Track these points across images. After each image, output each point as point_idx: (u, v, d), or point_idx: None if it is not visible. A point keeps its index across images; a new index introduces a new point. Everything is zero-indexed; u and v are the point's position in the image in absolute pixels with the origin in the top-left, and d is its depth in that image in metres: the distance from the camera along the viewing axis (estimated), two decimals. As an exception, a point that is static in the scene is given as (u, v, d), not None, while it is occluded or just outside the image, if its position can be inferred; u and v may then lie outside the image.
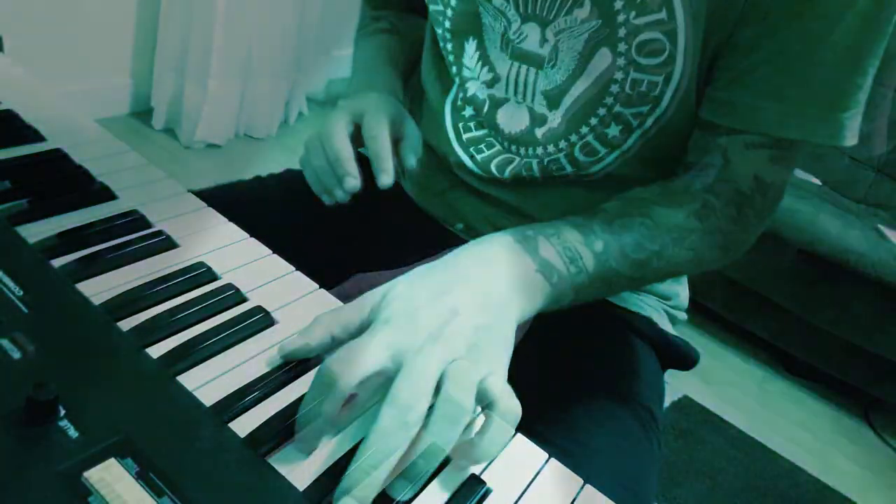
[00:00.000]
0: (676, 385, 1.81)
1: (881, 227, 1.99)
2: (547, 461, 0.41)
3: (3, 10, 1.75)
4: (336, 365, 0.37)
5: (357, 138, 0.60)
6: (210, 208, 0.56)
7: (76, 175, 0.54)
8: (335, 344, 0.42)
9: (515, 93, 0.62)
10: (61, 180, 0.53)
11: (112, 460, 0.32)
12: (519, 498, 0.38)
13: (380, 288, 0.43)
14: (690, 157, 0.59)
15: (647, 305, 0.70)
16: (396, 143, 0.61)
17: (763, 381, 1.98)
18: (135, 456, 0.33)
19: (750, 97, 0.53)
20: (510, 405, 0.39)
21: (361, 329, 0.41)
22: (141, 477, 0.32)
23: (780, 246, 1.85)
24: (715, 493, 1.52)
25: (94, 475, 0.31)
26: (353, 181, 0.57)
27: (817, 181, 2.20)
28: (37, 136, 0.58)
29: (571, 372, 0.62)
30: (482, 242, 0.47)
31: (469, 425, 0.41)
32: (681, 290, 0.74)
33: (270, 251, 0.52)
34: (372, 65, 0.72)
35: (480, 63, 0.63)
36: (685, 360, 0.71)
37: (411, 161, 0.61)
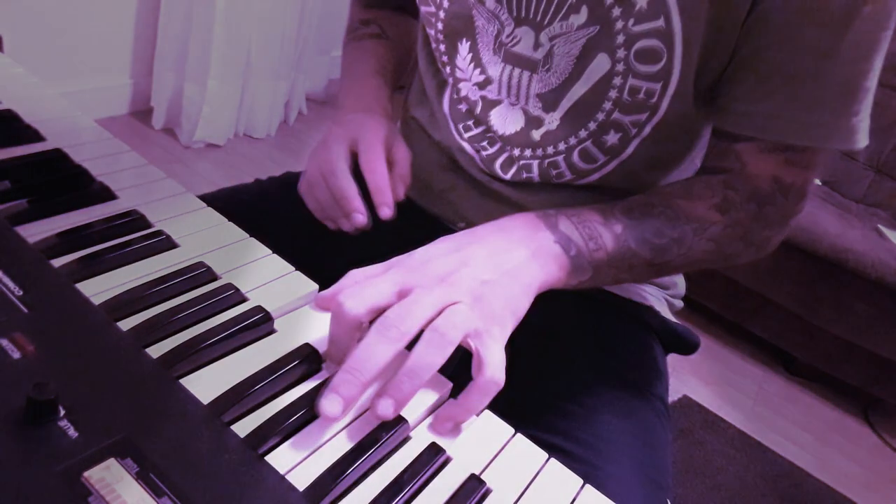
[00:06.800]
0: (676, 385, 1.81)
1: (881, 226, 1.99)
2: (547, 461, 0.41)
3: (3, 10, 1.75)
4: (344, 297, 0.41)
5: (354, 163, 0.62)
6: (210, 208, 0.56)
7: (76, 175, 0.54)
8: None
9: (508, 94, 0.62)
10: (61, 180, 0.53)
11: (112, 460, 0.32)
12: (519, 498, 0.38)
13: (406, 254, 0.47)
14: (707, 163, 0.60)
15: (649, 295, 0.71)
16: (390, 168, 0.62)
17: (763, 381, 1.98)
18: (135, 456, 0.33)
19: (764, 108, 0.53)
20: (493, 376, 0.41)
21: None
22: (141, 477, 0.32)
23: (780, 246, 1.85)
24: (714, 493, 1.52)
25: (94, 475, 0.31)
26: (361, 218, 0.59)
27: (817, 181, 2.20)
28: (37, 136, 0.58)
29: (583, 364, 0.62)
30: (504, 219, 0.50)
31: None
32: (678, 280, 0.76)
33: (270, 251, 0.52)
34: (360, 75, 0.73)
35: (472, 65, 0.63)
36: (687, 345, 0.73)
37: (400, 192, 0.63)
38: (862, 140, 0.53)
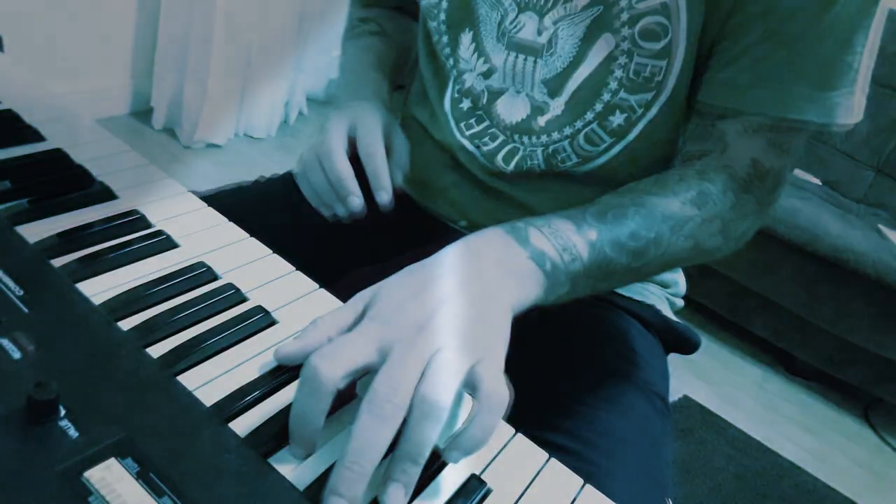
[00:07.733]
0: (676, 385, 1.81)
1: (881, 227, 1.99)
2: (547, 461, 0.41)
3: (3, 10, 1.75)
4: (319, 360, 0.35)
5: (351, 150, 0.61)
6: (210, 208, 0.56)
7: (76, 175, 0.54)
8: None
9: (513, 82, 0.62)
10: (61, 180, 0.53)
11: (112, 460, 0.32)
12: (519, 498, 0.38)
13: (371, 287, 0.42)
14: (688, 147, 0.59)
15: (650, 293, 0.71)
16: (388, 155, 0.61)
17: (763, 381, 1.98)
18: (135, 456, 0.33)
19: (744, 77, 0.53)
20: (495, 389, 0.37)
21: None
22: (141, 477, 0.32)
23: (780, 246, 1.85)
24: (715, 493, 1.52)
25: (94, 475, 0.31)
26: (357, 200, 0.57)
27: (817, 181, 2.20)
28: (37, 136, 0.58)
29: (585, 363, 0.62)
30: (471, 237, 0.46)
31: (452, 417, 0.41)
32: (679, 279, 0.76)
33: (270, 251, 0.52)
34: (359, 69, 0.72)
35: (476, 54, 0.63)
36: (688, 344, 0.72)
37: (398, 178, 0.62)
38: (843, 117, 0.53)
